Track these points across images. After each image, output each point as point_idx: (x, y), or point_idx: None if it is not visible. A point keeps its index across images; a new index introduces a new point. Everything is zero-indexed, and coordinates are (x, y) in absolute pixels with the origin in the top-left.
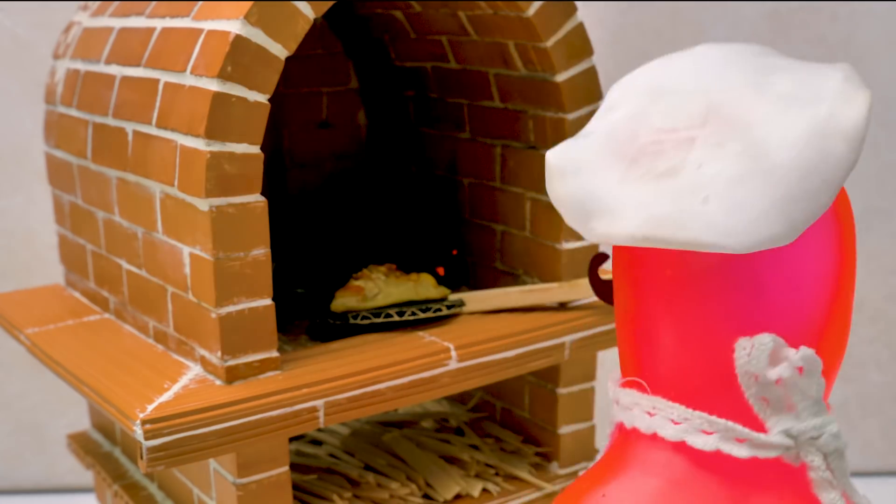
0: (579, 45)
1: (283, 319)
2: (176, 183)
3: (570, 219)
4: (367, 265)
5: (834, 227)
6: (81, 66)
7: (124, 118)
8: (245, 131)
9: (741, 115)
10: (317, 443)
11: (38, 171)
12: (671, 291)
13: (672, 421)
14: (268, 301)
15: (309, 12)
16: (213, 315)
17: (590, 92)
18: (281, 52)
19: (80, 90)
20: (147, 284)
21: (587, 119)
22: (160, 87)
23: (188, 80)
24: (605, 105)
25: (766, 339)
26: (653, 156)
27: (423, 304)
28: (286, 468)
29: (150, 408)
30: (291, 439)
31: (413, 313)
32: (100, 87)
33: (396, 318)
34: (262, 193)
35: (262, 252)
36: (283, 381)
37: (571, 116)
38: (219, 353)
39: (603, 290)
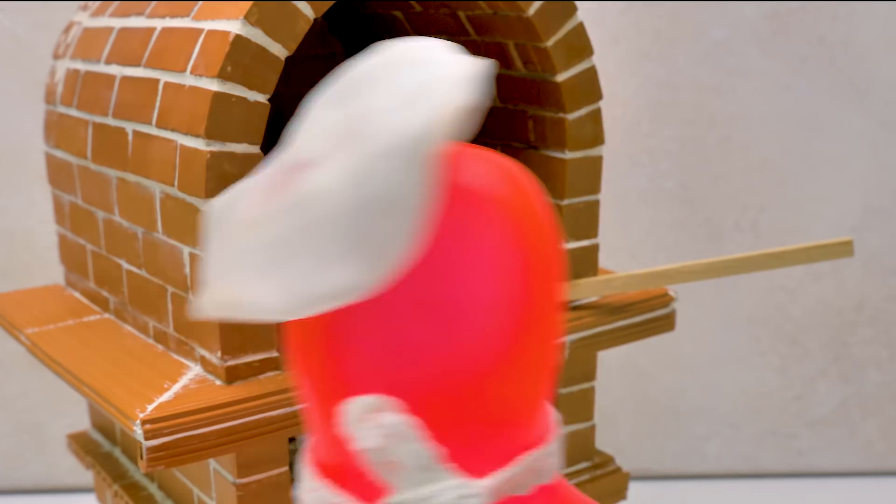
0: (579, 45)
1: None
2: (176, 183)
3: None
4: None
5: (495, 256)
6: (81, 66)
7: (124, 118)
8: (245, 131)
9: (322, 151)
10: None
11: (38, 171)
12: (293, 346)
13: (308, 489)
14: None
15: (309, 12)
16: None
17: (590, 92)
18: (281, 52)
19: (80, 90)
20: (147, 284)
21: (587, 119)
22: (160, 87)
23: (188, 80)
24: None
25: (358, 403)
26: (265, 201)
27: None
28: (286, 468)
29: (150, 408)
30: (291, 439)
31: None
32: (100, 87)
33: None
34: None
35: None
36: (283, 381)
37: (571, 116)
38: (219, 353)
39: None
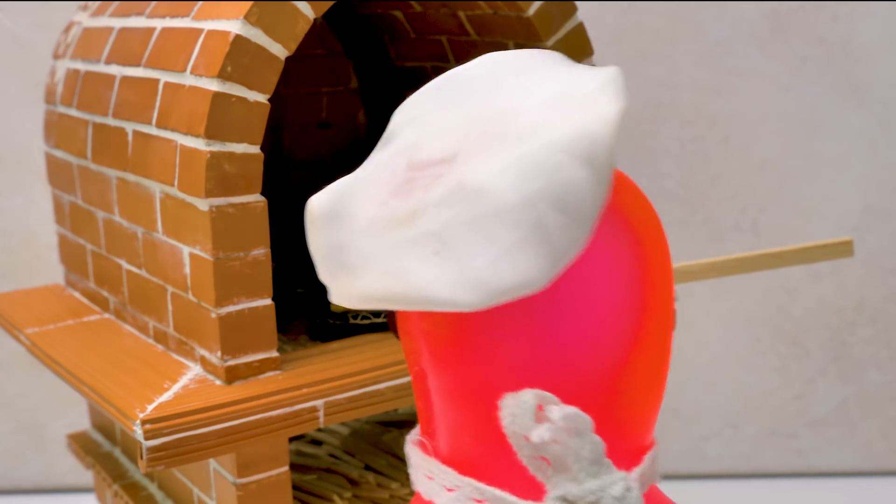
0: (579, 45)
1: (283, 319)
2: (176, 183)
3: (322, 276)
4: None
5: (631, 257)
6: (81, 66)
7: (124, 118)
8: (245, 131)
9: (485, 148)
10: (317, 443)
11: (38, 171)
12: (435, 346)
13: (446, 488)
14: (268, 301)
15: (309, 12)
16: (213, 315)
17: None
18: (281, 52)
19: (80, 90)
20: (147, 284)
21: None
22: (160, 87)
23: (188, 80)
24: (385, 133)
25: (528, 397)
26: (402, 197)
27: None
28: (286, 468)
29: (150, 408)
30: (291, 439)
31: None
32: (100, 87)
33: None
34: (262, 193)
35: (262, 252)
36: (283, 381)
37: None
38: (219, 353)
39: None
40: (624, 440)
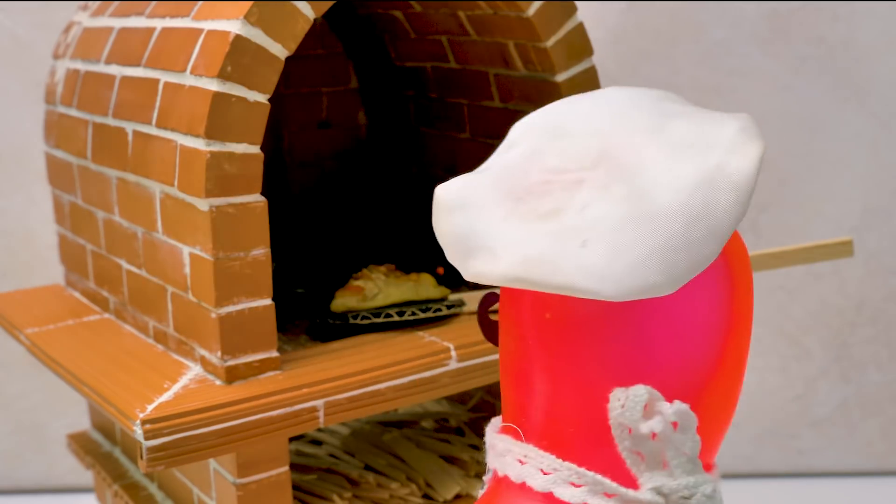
0: (579, 45)
1: (283, 319)
2: (176, 183)
3: (450, 255)
4: (367, 265)
5: (725, 281)
6: (81, 66)
7: (124, 118)
8: (245, 131)
9: (632, 159)
10: (317, 443)
11: (38, 171)
12: (549, 335)
13: (542, 471)
14: (268, 301)
15: (309, 12)
16: (213, 315)
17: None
18: (281, 52)
19: (80, 90)
20: (147, 284)
21: None
22: (160, 87)
23: (188, 80)
24: (505, 142)
25: (640, 391)
26: (539, 196)
27: (423, 304)
28: (286, 468)
29: (150, 408)
30: (291, 439)
31: (413, 313)
32: (100, 87)
33: (396, 318)
34: (262, 193)
35: (262, 252)
36: (283, 381)
37: None
38: (219, 353)
39: (490, 330)
40: (707, 452)
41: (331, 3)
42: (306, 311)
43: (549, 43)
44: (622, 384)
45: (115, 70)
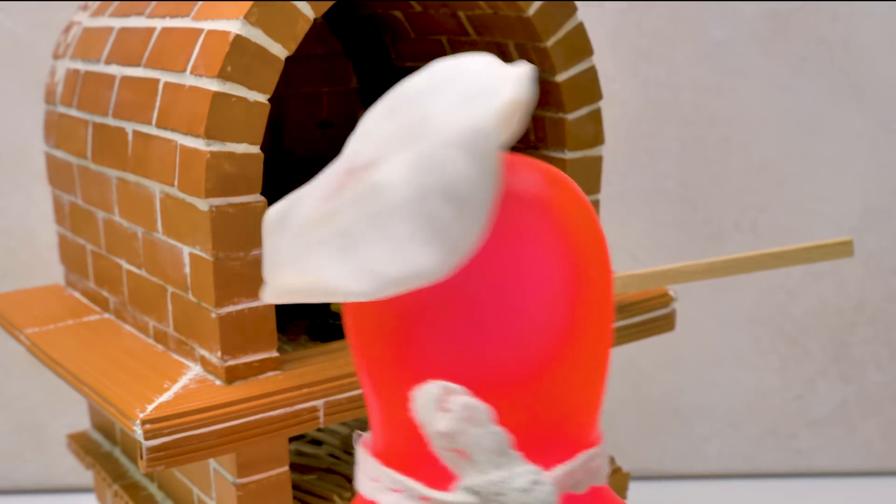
0: (579, 45)
1: (283, 319)
2: (176, 183)
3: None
4: None
5: (559, 258)
6: (81, 66)
7: (124, 118)
8: (245, 131)
9: (381, 153)
10: (317, 443)
11: (38, 171)
12: (357, 338)
13: (370, 478)
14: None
15: (309, 12)
16: (213, 315)
17: (590, 92)
18: (281, 52)
19: (80, 90)
20: (147, 284)
21: (587, 119)
22: (160, 87)
23: (188, 80)
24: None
25: (432, 388)
26: (329, 201)
27: None
28: (286, 468)
29: (150, 408)
30: (291, 439)
31: None
32: (100, 87)
33: None
34: (262, 193)
35: (261, 252)
36: (283, 381)
37: (571, 116)
38: (219, 353)
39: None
40: (555, 435)
41: (331, 3)
42: (306, 311)
43: (549, 43)
44: (431, 379)
45: (115, 70)
